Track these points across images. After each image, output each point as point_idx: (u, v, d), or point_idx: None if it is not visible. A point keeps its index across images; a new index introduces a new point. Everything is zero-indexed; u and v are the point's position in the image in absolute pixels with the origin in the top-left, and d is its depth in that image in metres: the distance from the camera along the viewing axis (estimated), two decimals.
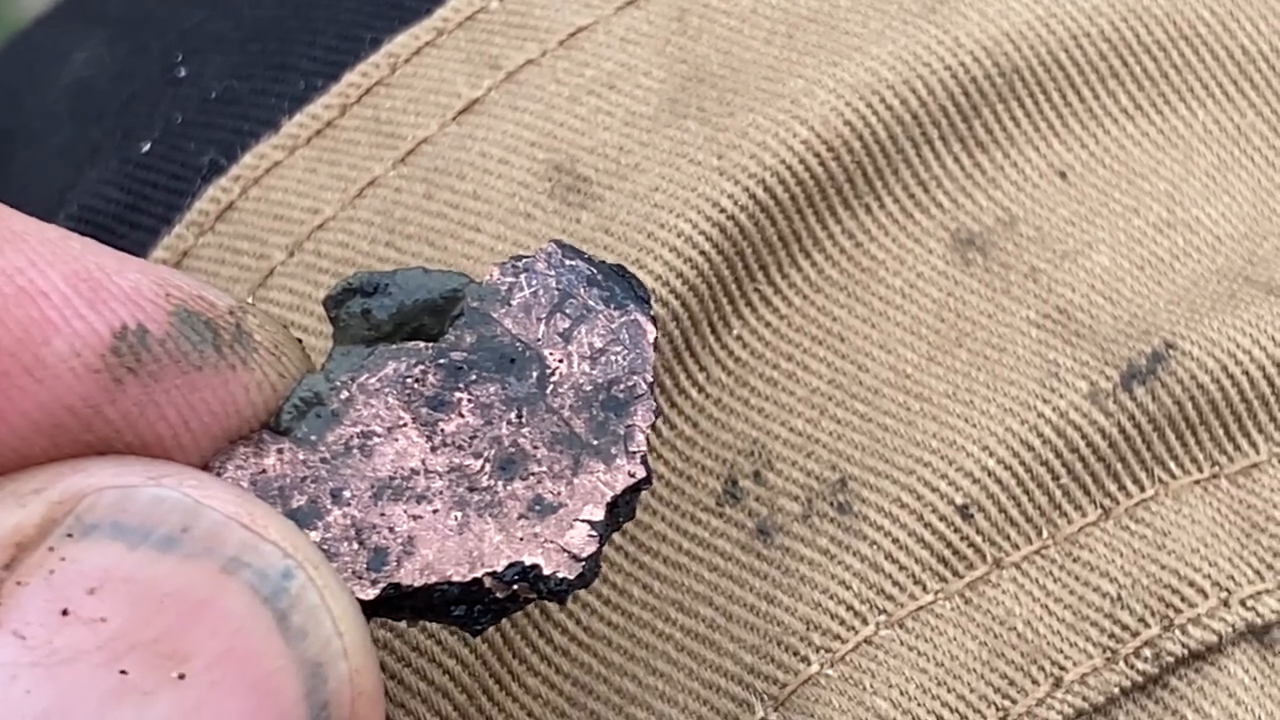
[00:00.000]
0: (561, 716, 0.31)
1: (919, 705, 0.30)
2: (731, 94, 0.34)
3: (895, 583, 0.31)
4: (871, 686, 0.30)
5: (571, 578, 0.26)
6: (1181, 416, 0.32)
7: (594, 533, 0.26)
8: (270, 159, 0.35)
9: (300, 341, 0.27)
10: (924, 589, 0.31)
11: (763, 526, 0.32)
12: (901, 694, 0.30)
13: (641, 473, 0.26)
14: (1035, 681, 0.30)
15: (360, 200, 0.35)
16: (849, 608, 0.31)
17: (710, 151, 0.33)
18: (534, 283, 0.27)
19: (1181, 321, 0.33)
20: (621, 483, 0.26)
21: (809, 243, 0.34)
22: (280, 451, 0.26)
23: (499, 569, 0.26)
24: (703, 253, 0.33)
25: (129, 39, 0.40)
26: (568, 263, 0.27)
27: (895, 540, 0.31)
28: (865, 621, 0.31)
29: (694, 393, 0.33)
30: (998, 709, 0.30)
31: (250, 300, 0.34)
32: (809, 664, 0.31)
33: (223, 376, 0.25)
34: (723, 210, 0.33)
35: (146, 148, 0.37)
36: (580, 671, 0.31)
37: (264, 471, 0.26)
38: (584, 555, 0.26)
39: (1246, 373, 0.33)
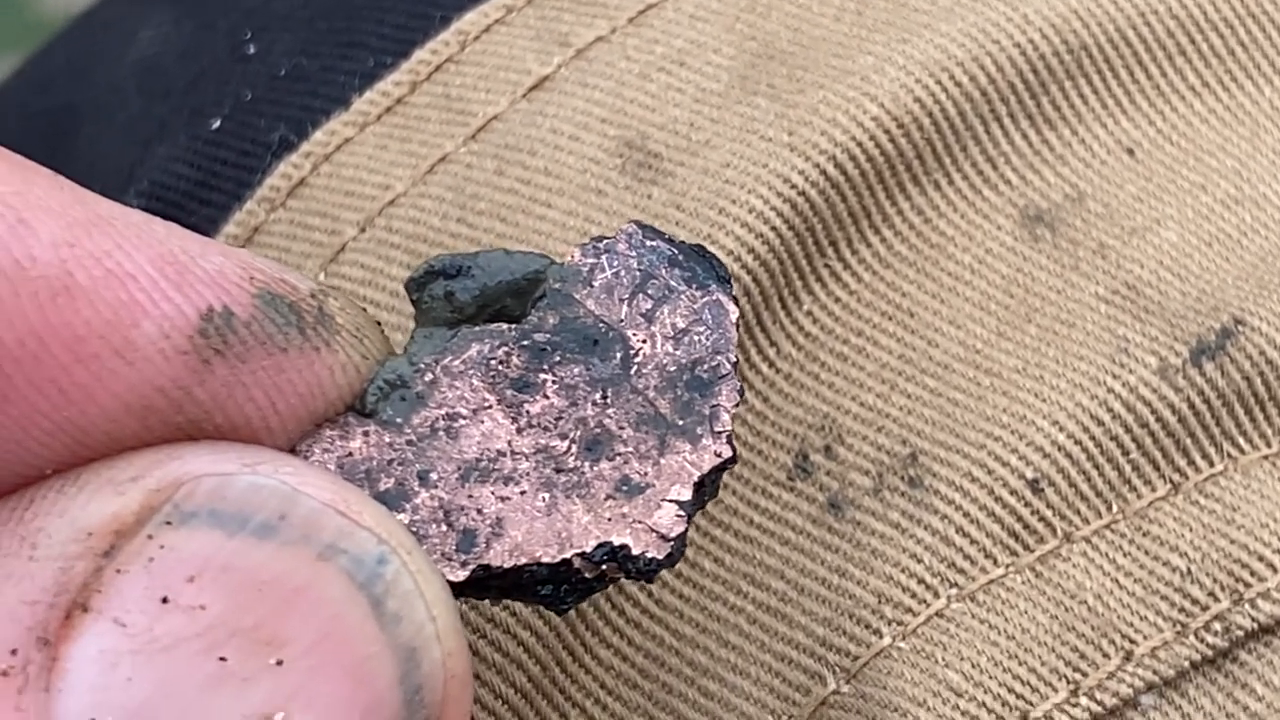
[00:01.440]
0: (634, 688, 0.31)
1: (990, 678, 0.30)
2: (801, 71, 0.35)
3: (966, 556, 0.31)
4: (943, 659, 0.31)
5: (660, 557, 0.26)
6: (1250, 392, 0.32)
7: (681, 512, 0.26)
8: (341, 135, 0.36)
9: (380, 324, 0.27)
10: (995, 562, 0.31)
11: (834, 500, 0.32)
12: (973, 666, 0.30)
13: (727, 452, 0.26)
14: (1106, 655, 0.31)
15: (431, 176, 0.35)
16: (920, 581, 0.31)
17: (781, 128, 0.34)
18: (615, 263, 0.27)
19: (1250, 297, 0.33)
20: (708, 462, 0.26)
21: (879, 219, 0.34)
22: (366, 434, 0.26)
23: (588, 549, 0.26)
24: (774, 228, 0.33)
25: (195, 17, 0.41)
26: (649, 243, 0.27)
27: (966, 514, 0.31)
28: (937, 595, 0.31)
29: (765, 368, 0.33)
30: (1069, 681, 0.30)
31: (322, 276, 0.35)
32: (881, 637, 0.31)
33: (307, 358, 0.25)
34: (793, 186, 0.33)
35: (216, 124, 0.37)
36: (652, 644, 0.31)
37: (350, 454, 0.26)
38: (672, 535, 0.26)
39: None
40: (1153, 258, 0.34)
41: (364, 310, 0.27)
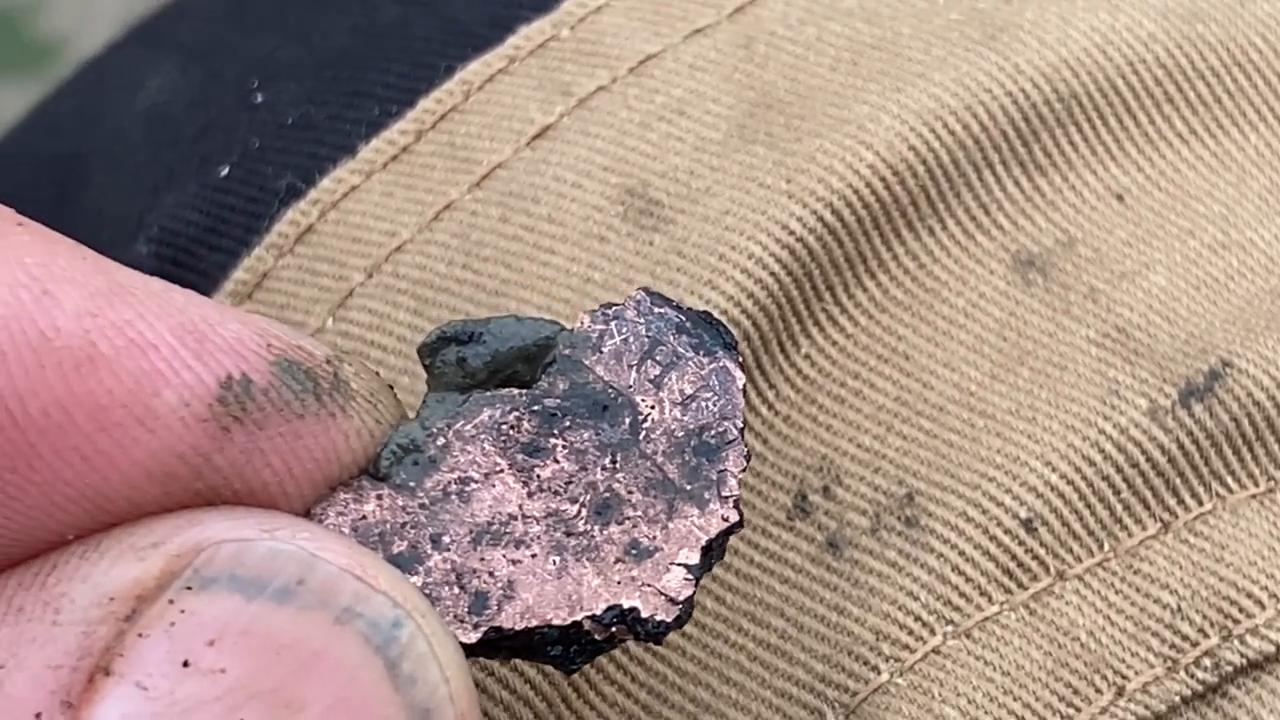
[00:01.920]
0: None
1: (986, 713, 0.31)
2: (798, 120, 0.35)
3: (962, 594, 0.32)
4: (940, 695, 0.31)
5: (669, 620, 0.26)
6: (1238, 433, 0.33)
7: (690, 576, 0.26)
8: (348, 183, 0.36)
9: (392, 387, 0.27)
10: (990, 600, 0.32)
11: (832, 540, 0.33)
12: (969, 702, 0.31)
13: (735, 517, 0.27)
14: (1098, 690, 0.31)
15: (437, 223, 0.35)
16: (917, 618, 0.32)
17: (779, 175, 0.34)
18: (624, 330, 0.28)
19: (1238, 340, 0.34)
20: (715, 527, 0.27)
21: (874, 264, 0.35)
22: (380, 498, 0.26)
23: (598, 612, 0.26)
24: (772, 274, 0.33)
25: (203, 66, 0.41)
26: (657, 310, 0.28)
27: (961, 553, 0.32)
28: (933, 632, 0.32)
29: (764, 410, 0.34)
30: (1062, 717, 0.31)
31: (330, 321, 0.35)
32: (879, 673, 0.31)
33: (324, 424, 0.25)
34: (791, 233, 0.34)
35: (225, 172, 0.38)
36: (655, 680, 0.32)
37: (364, 518, 0.26)
38: (680, 598, 0.26)
39: None
40: (1142, 301, 0.34)
41: (377, 374, 0.27)
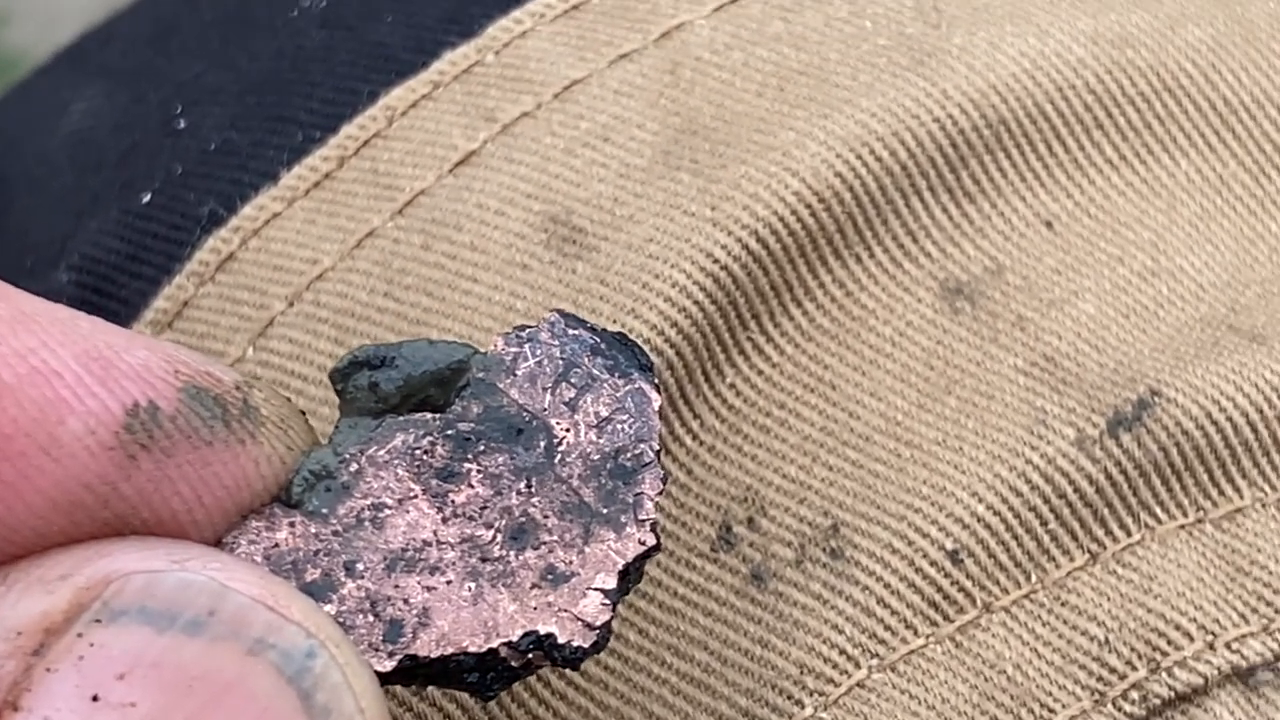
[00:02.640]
0: None
1: None
2: (724, 146, 0.35)
3: (887, 627, 0.32)
4: None
5: (586, 646, 0.26)
6: (1167, 463, 0.33)
7: (607, 600, 0.26)
8: (270, 210, 0.36)
9: (304, 414, 0.27)
10: (915, 633, 0.32)
11: (756, 572, 0.32)
12: None
13: (651, 540, 0.27)
14: None
15: (359, 251, 0.35)
16: (842, 652, 0.31)
17: (703, 203, 0.34)
18: (539, 352, 0.28)
19: (1166, 369, 0.34)
20: (633, 551, 0.27)
21: (800, 292, 0.34)
22: (292, 525, 0.26)
23: (514, 639, 0.26)
24: (696, 302, 0.33)
25: (128, 90, 0.41)
26: (571, 332, 0.28)
27: (887, 585, 0.32)
28: (858, 665, 0.31)
29: (688, 440, 0.33)
30: None
31: (250, 350, 0.35)
32: (803, 707, 0.31)
33: (233, 451, 0.25)
34: (716, 260, 0.33)
35: (147, 198, 0.38)
36: (577, 715, 0.32)
37: (277, 545, 0.26)
38: (598, 624, 0.26)
39: (1230, 419, 0.33)
40: (1070, 329, 0.34)
41: (288, 400, 0.27)
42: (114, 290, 0.37)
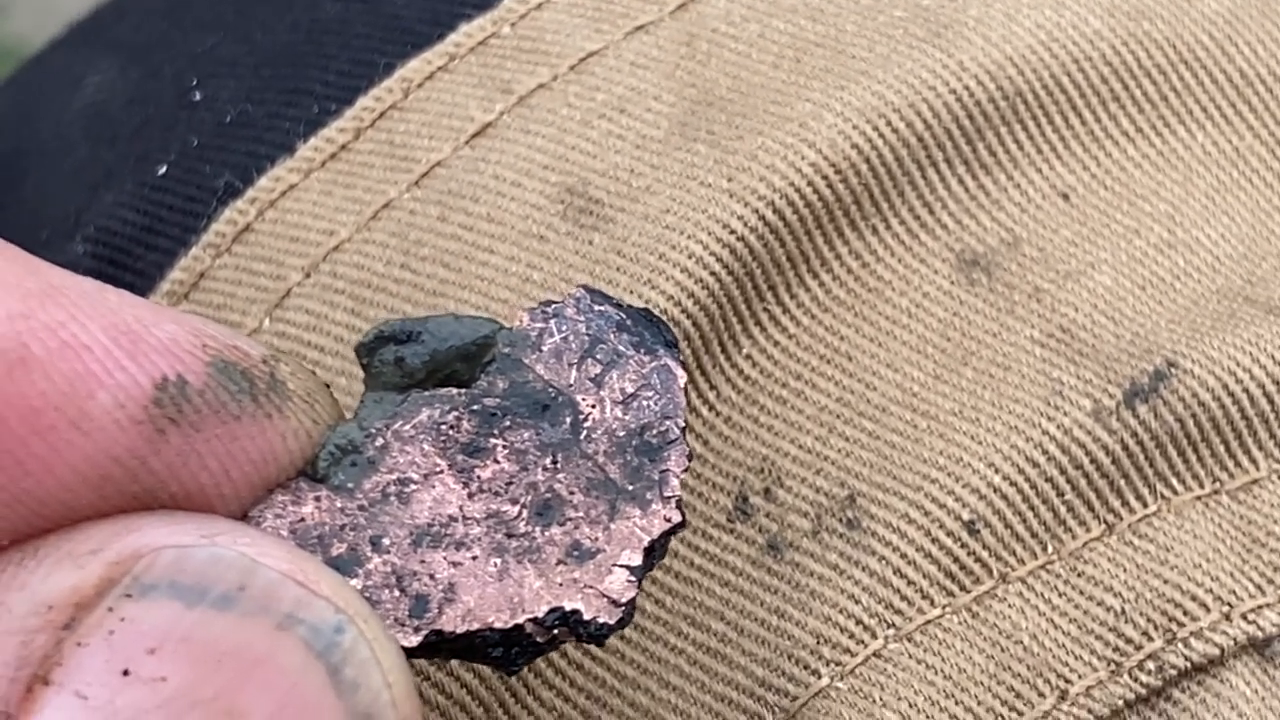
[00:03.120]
0: None
1: (928, 717, 0.31)
2: (740, 117, 0.35)
3: (904, 597, 0.32)
4: (881, 699, 0.31)
5: (612, 622, 0.26)
6: (1183, 434, 0.33)
7: (632, 578, 0.26)
8: (286, 182, 0.36)
9: (329, 388, 0.27)
10: (932, 603, 0.32)
11: (773, 542, 0.32)
12: (910, 706, 0.31)
13: (677, 517, 0.27)
14: (1041, 694, 0.31)
15: (375, 223, 0.35)
16: (858, 621, 0.31)
17: (720, 174, 0.34)
18: (564, 328, 0.28)
19: (1183, 340, 0.34)
20: (658, 528, 0.26)
21: (817, 263, 0.34)
22: (318, 499, 0.26)
23: (540, 615, 0.26)
24: (713, 273, 0.33)
25: (142, 64, 0.41)
26: (597, 308, 0.28)
27: (903, 555, 0.32)
28: (874, 635, 0.31)
29: (705, 411, 0.33)
30: None
31: (267, 321, 0.35)
32: (819, 677, 0.31)
33: (260, 425, 0.25)
34: (732, 232, 0.33)
35: (162, 170, 0.38)
36: (594, 685, 0.32)
37: (303, 520, 0.26)
38: (623, 600, 0.26)
39: (1247, 390, 0.33)
40: (1087, 301, 0.34)
41: (314, 374, 0.27)
42: (129, 262, 0.37)
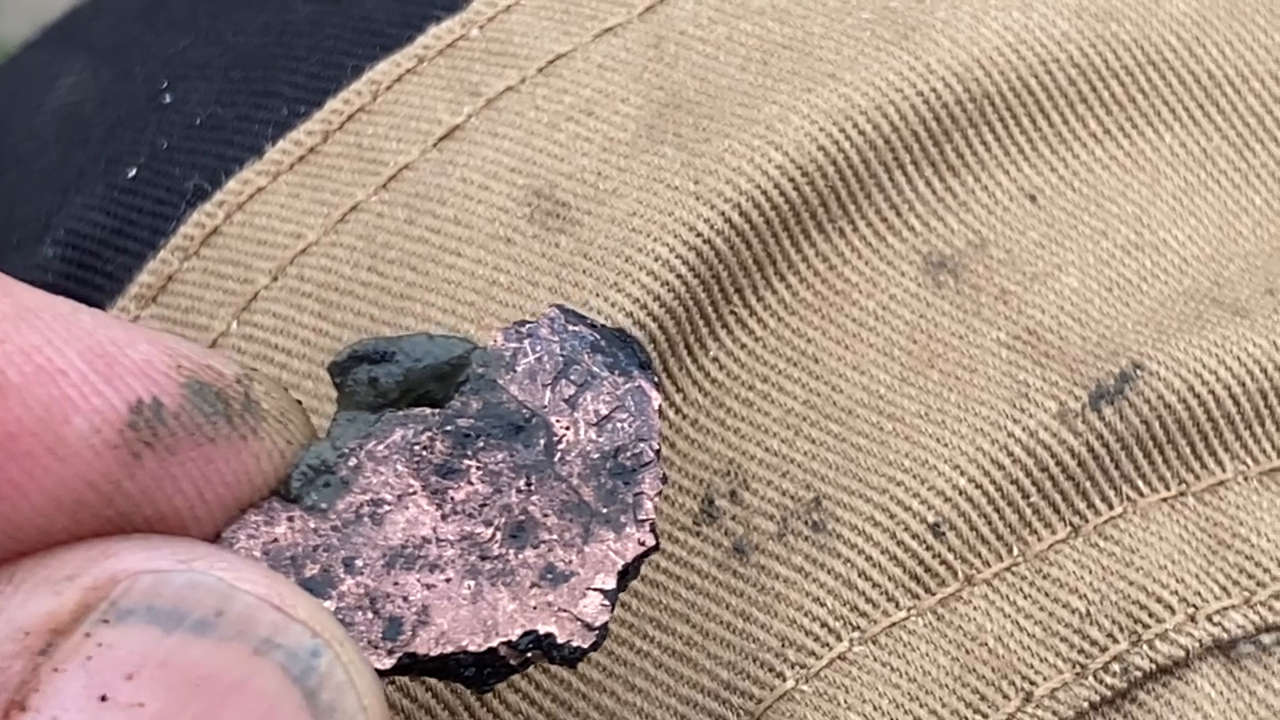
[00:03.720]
0: None
1: None
2: (707, 120, 0.35)
3: (869, 599, 0.32)
4: (846, 702, 0.31)
5: (585, 646, 0.26)
6: (1149, 435, 0.33)
7: (606, 601, 0.26)
8: (254, 184, 0.36)
9: (301, 405, 0.27)
10: (897, 605, 0.32)
11: (739, 545, 0.32)
12: (875, 709, 0.31)
13: (651, 541, 0.27)
14: (1006, 696, 0.31)
15: (343, 225, 0.35)
16: (823, 624, 0.31)
17: (687, 177, 0.34)
18: (538, 348, 0.27)
19: (1149, 342, 0.34)
20: (632, 552, 0.26)
21: (784, 266, 0.34)
22: (291, 520, 0.26)
23: (513, 638, 0.26)
24: (679, 276, 0.33)
25: (114, 65, 0.41)
26: (571, 328, 0.28)
27: (869, 558, 0.32)
28: (839, 638, 0.31)
29: (671, 414, 0.33)
30: None
31: (235, 325, 0.35)
32: (784, 680, 0.31)
33: (235, 447, 0.25)
34: (699, 234, 0.33)
35: (132, 173, 0.38)
36: (559, 688, 0.32)
37: (276, 540, 0.26)
38: (597, 624, 0.26)
39: (1213, 392, 0.33)
40: (1053, 303, 0.34)
41: (287, 392, 0.27)
42: (99, 265, 0.37)
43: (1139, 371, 0.33)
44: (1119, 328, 0.34)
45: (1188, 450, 0.33)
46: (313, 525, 0.26)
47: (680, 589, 0.32)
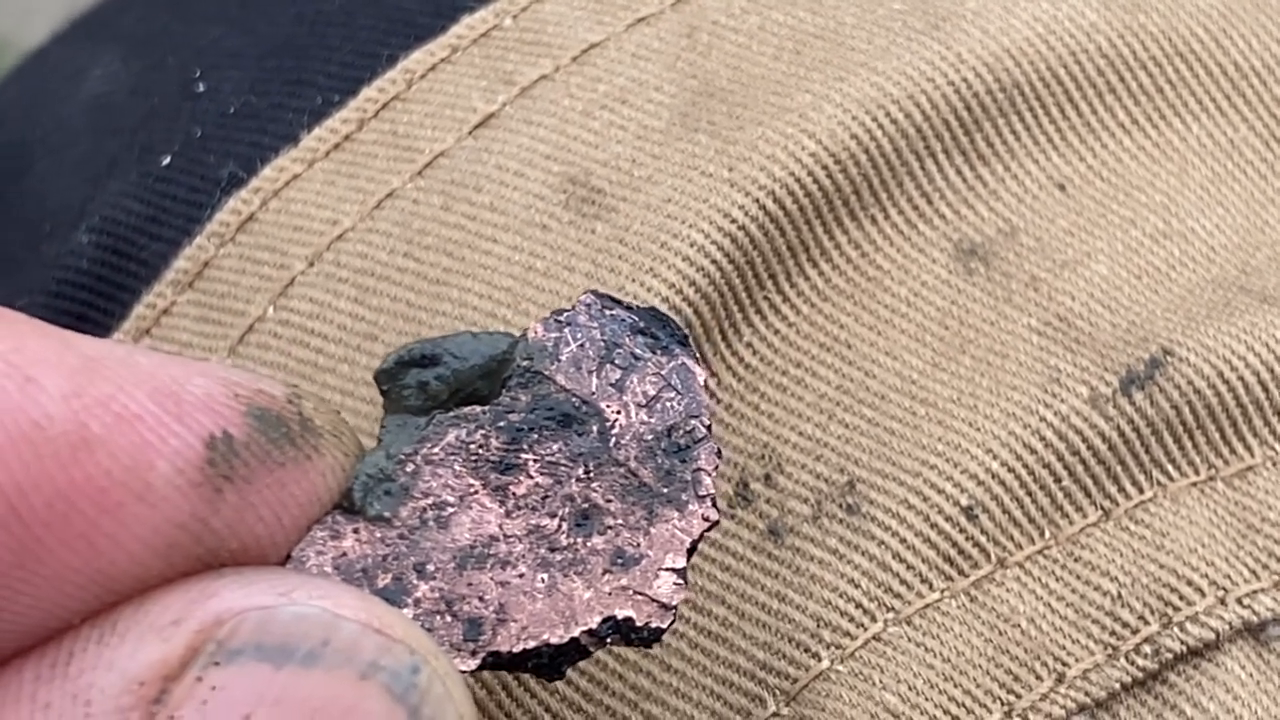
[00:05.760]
0: (578, 711, 0.32)
1: (926, 700, 0.31)
2: (741, 108, 0.35)
3: (903, 581, 0.32)
4: (880, 681, 0.31)
5: (664, 626, 0.26)
6: (1179, 421, 0.33)
7: (679, 580, 0.26)
8: (290, 171, 0.36)
9: (339, 413, 0.27)
10: (930, 587, 0.32)
11: (773, 527, 0.33)
12: (909, 689, 0.31)
13: (714, 515, 0.27)
14: (1039, 677, 0.31)
15: (378, 212, 0.35)
16: (858, 605, 0.32)
17: (721, 164, 0.34)
18: (579, 335, 0.28)
19: (1179, 329, 0.34)
20: (698, 528, 0.27)
21: (816, 252, 0.35)
22: (357, 531, 0.26)
23: (593, 625, 0.26)
24: (714, 262, 0.33)
25: (145, 56, 0.41)
26: (608, 312, 0.28)
27: (902, 540, 0.32)
28: (874, 619, 0.32)
29: None
30: (1003, 704, 0.31)
31: (271, 310, 0.35)
32: (819, 660, 0.31)
33: (302, 468, 0.25)
34: (733, 221, 0.34)
35: (166, 161, 0.38)
36: (595, 668, 0.32)
37: (345, 554, 0.26)
38: (673, 603, 0.26)
39: (1241, 378, 0.33)
40: (1084, 290, 0.35)
41: (331, 406, 0.27)
42: (133, 251, 0.37)
43: (1169, 357, 0.33)
44: (1148, 314, 0.34)
45: (1217, 435, 0.33)
46: (379, 535, 0.26)
47: (716, 571, 0.32)
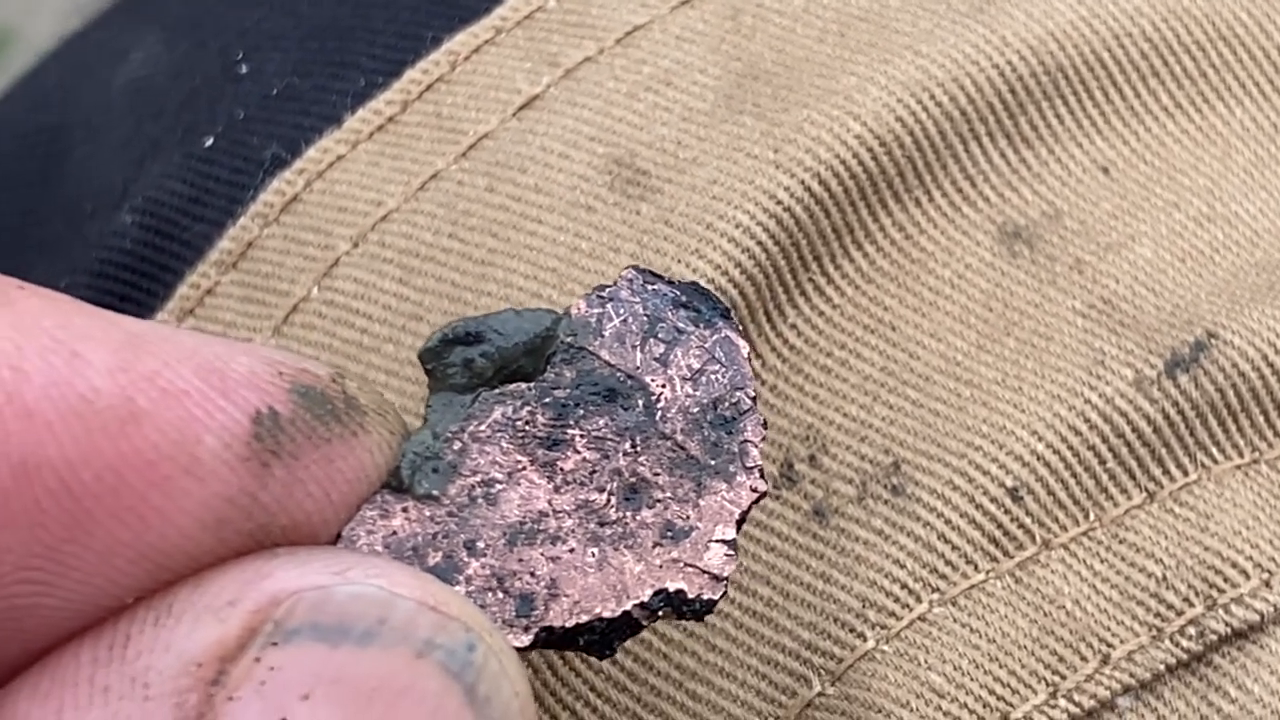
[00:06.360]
0: (623, 690, 0.32)
1: (972, 680, 0.31)
2: (786, 90, 0.35)
3: (948, 562, 0.32)
4: (926, 662, 0.31)
5: (716, 597, 0.26)
6: (1223, 403, 0.33)
7: (730, 551, 0.26)
8: (334, 153, 0.36)
9: (383, 395, 0.27)
10: (976, 568, 0.32)
11: (819, 508, 0.33)
12: (955, 669, 0.31)
13: (762, 486, 0.27)
14: (1084, 658, 0.31)
15: (423, 193, 0.35)
16: (903, 586, 0.32)
17: (766, 146, 0.34)
18: (622, 310, 0.28)
19: (1223, 312, 0.34)
20: (746, 499, 0.27)
21: (861, 234, 0.35)
22: (405, 510, 0.26)
23: (645, 599, 0.26)
24: (759, 243, 0.34)
25: (187, 38, 0.41)
26: (650, 287, 0.28)
27: (948, 521, 0.32)
28: (919, 599, 0.32)
29: None
30: (1048, 684, 0.31)
31: (316, 290, 0.35)
32: (864, 640, 0.32)
33: (349, 445, 0.25)
34: (779, 202, 0.34)
35: (209, 142, 0.38)
36: (640, 647, 0.32)
37: (394, 533, 0.26)
38: (724, 574, 0.26)
39: None
40: (1128, 273, 0.35)
41: (375, 387, 0.27)
42: (176, 232, 0.37)
43: (1213, 340, 0.33)
44: (1193, 298, 0.34)
45: (1261, 419, 0.33)
46: (428, 513, 0.26)
47: (761, 551, 0.32)
